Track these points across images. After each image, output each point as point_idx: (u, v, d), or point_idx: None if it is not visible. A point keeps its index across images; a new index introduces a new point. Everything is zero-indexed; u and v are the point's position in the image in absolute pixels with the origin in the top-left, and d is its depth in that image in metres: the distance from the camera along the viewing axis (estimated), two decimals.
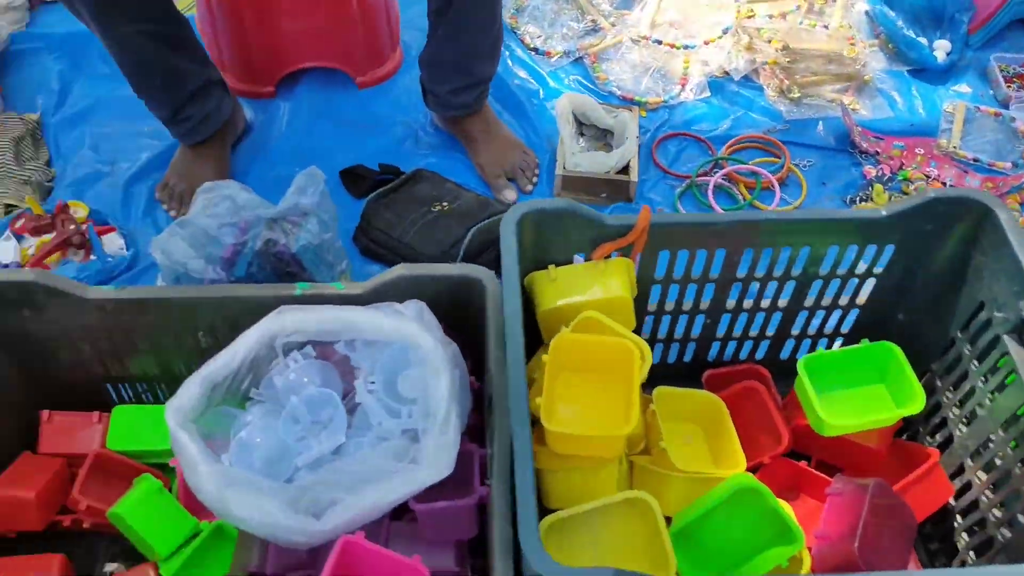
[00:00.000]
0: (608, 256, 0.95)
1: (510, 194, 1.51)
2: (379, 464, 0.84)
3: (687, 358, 1.15)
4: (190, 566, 0.95)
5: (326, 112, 1.66)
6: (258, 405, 0.93)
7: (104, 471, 1.03)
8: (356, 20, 1.61)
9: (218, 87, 1.46)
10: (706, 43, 1.71)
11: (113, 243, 1.39)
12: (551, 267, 0.96)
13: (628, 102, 1.67)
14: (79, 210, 1.41)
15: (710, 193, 1.50)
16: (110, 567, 1.04)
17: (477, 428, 0.94)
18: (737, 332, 1.11)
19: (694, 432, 1.07)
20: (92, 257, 1.35)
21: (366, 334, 0.89)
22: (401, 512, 0.88)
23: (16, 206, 1.45)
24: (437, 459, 0.82)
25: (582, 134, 1.60)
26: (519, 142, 1.58)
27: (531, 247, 0.94)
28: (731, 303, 1.07)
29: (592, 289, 0.94)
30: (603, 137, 1.61)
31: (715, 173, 1.53)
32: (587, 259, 0.97)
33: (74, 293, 0.95)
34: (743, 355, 1.15)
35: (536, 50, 1.78)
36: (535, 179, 1.55)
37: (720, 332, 1.11)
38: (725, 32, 1.71)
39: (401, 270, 0.96)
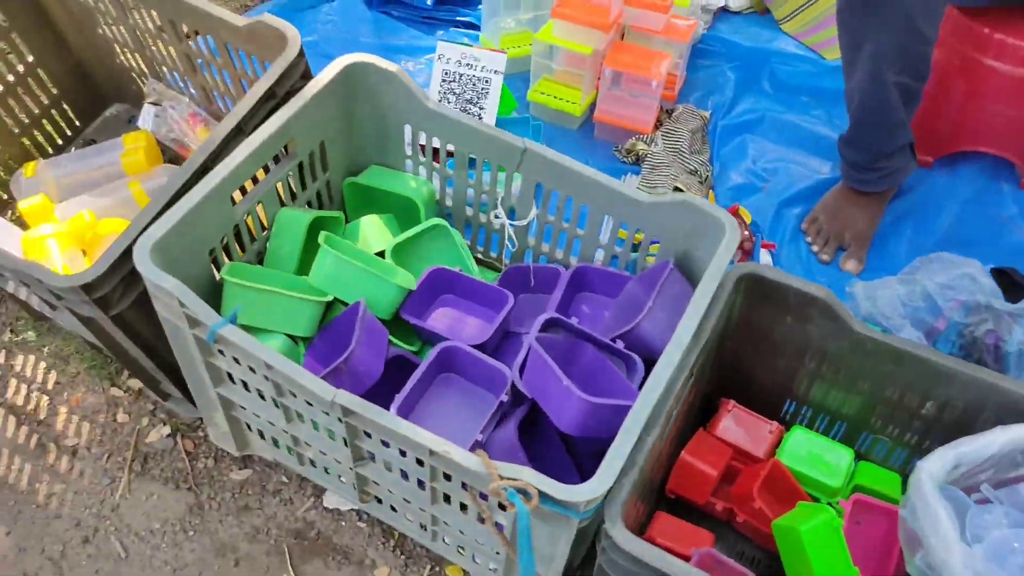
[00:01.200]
0: None
1: None
2: None
3: None
4: None
5: (981, 200, 1.59)
6: (998, 507, 0.91)
7: (771, 482, 1.08)
8: None
9: (910, 149, 1.46)
10: None
11: (763, 257, 1.46)
12: None
13: None
14: (745, 218, 1.50)
15: None
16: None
17: None
18: None
19: None
20: None
21: None
22: None
23: (682, 191, 1.58)
24: None
25: None
26: None
27: None
28: None
29: None
30: None
31: None
32: None
33: (847, 322, 1.00)
34: None
35: None
36: None
37: None
38: None
39: None
